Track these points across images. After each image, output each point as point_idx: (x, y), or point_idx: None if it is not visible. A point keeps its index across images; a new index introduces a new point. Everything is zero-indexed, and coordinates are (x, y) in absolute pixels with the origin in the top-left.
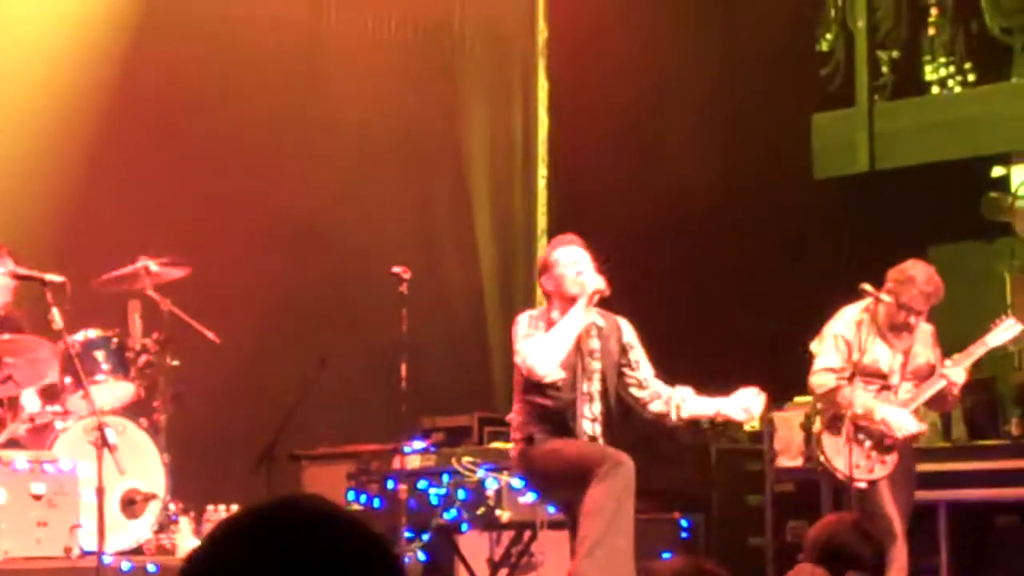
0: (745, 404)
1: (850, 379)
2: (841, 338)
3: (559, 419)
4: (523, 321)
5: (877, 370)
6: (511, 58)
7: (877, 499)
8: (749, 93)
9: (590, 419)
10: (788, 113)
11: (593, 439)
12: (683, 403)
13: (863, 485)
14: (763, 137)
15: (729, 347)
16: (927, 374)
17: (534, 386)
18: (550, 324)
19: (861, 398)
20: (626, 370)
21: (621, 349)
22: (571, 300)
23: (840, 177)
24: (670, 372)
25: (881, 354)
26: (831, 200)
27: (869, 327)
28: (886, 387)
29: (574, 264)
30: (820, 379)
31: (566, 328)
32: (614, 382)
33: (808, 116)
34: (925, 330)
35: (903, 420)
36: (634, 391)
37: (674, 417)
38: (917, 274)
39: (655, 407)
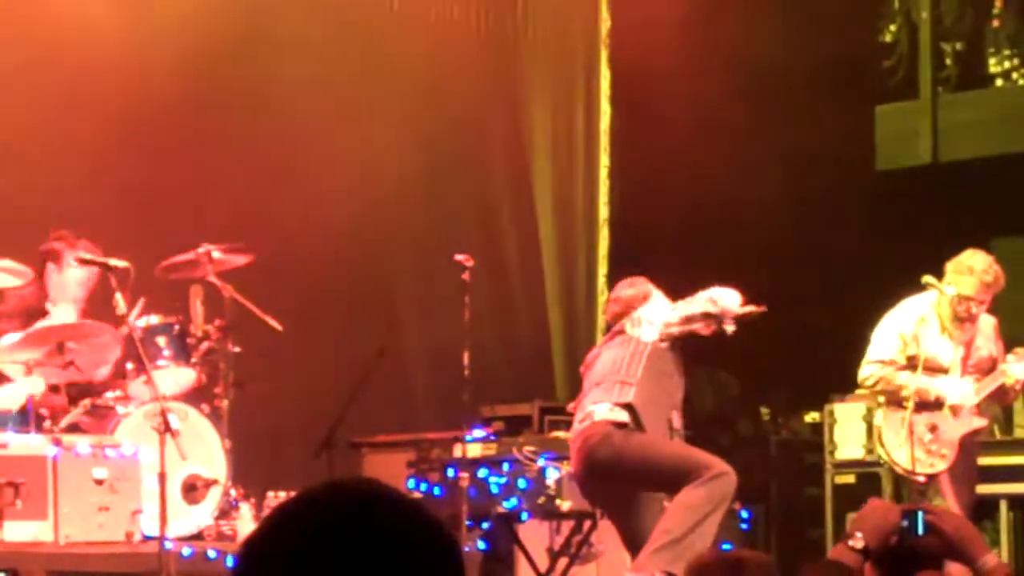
0: None
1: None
2: (897, 331)
3: (669, 408)
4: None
5: (938, 364)
6: (574, 47)
7: (937, 493)
8: (812, 84)
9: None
10: (851, 105)
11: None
12: None
13: (922, 479)
14: (825, 128)
15: (794, 339)
16: (989, 368)
17: (664, 372)
18: None
19: (914, 379)
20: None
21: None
22: None
23: (903, 169)
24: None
25: (942, 348)
26: (894, 192)
27: (930, 320)
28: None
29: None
30: (867, 370)
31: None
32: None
33: (871, 108)
34: (988, 322)
35: (961, 389)
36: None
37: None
38: (976, 263)
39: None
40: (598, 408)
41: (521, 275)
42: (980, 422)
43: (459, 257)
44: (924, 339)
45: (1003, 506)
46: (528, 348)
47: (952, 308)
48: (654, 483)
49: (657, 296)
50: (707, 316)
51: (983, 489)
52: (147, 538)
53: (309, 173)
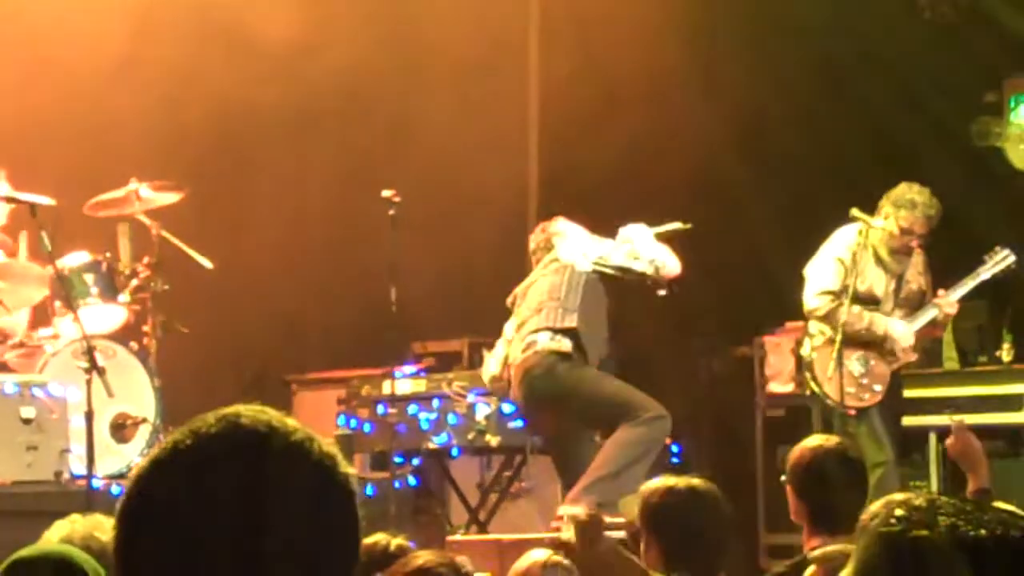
0: None
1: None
2: (838, 260)
3: (603, 336)
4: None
5: (872, 295)
6: None
7: (868, 425)
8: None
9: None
10: None
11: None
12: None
13: (853, 412)
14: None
15: (723, 272)
16: (918, 301)
17: (599, 301)
18: None
19: (865, 314)
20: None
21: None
22: None
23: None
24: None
25: (876, 279)
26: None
27: (863, 251)
28: (878, 312)
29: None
30: (815, 301)
31: None
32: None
33: None
34: (919, 256)
35: (904, 329)
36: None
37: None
38: (919, 197)
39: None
40: (540, 337)
41: (449, 210)
42: (910, 357)
43: (386, 193)
44: (861, 269)
45: (932, 438)
46: (457, 284)
47: (891, 241)
48: (592, 419)
49: (580, 230)
50: (643, 276)
51: (912, 421)
52: (76, 477)
53: (236, 108)
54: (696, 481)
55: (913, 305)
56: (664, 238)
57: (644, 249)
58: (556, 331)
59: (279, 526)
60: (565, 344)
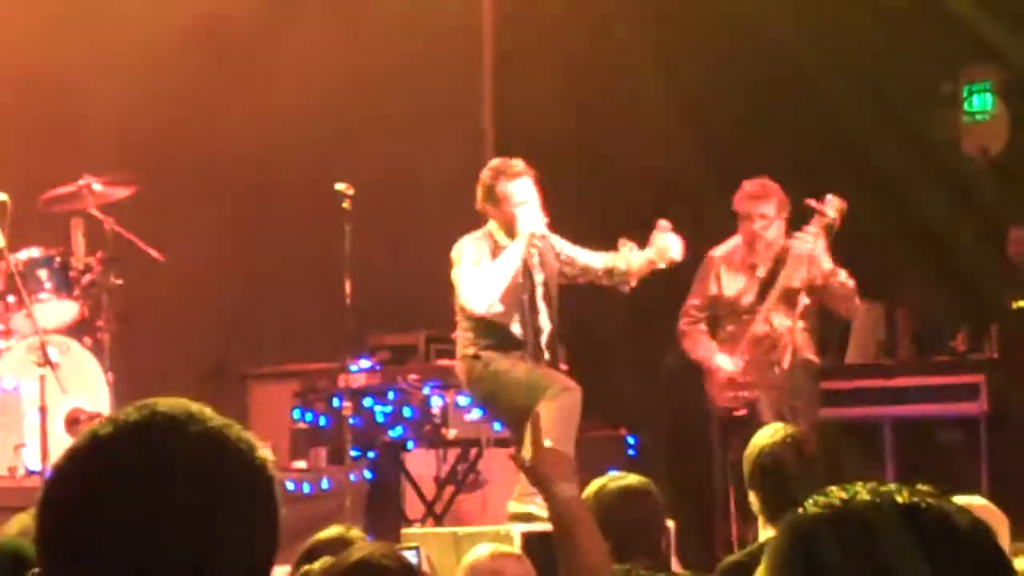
0: (662, 244)
1: None
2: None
3: (505, 333)
4: (468, 246)
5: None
6: None
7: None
8: None
9: (534, 331)
10: None
11: (539, 351)
12: (630, 258)
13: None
14: None
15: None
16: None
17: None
18: (495, 247)
19: None
20: (567, 269)
21: (556, 255)
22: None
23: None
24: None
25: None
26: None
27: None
28: None
29: (524, 203)
30: None
31: (506, 265)
32: (556, 291)
33: None
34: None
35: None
36: (588, 274)
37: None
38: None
39: (614, 277)
40: None
41: (403, 202)
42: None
43: (339, 186)
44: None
45: (886, 429)
46: (412, 276)
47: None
48: (508, 412)
49: None
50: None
51: (867, 411)
52: (30, 472)
53: (192, 107)
54: (629, 480)
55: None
56: None
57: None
58: None
59: (195, 510)
60: None
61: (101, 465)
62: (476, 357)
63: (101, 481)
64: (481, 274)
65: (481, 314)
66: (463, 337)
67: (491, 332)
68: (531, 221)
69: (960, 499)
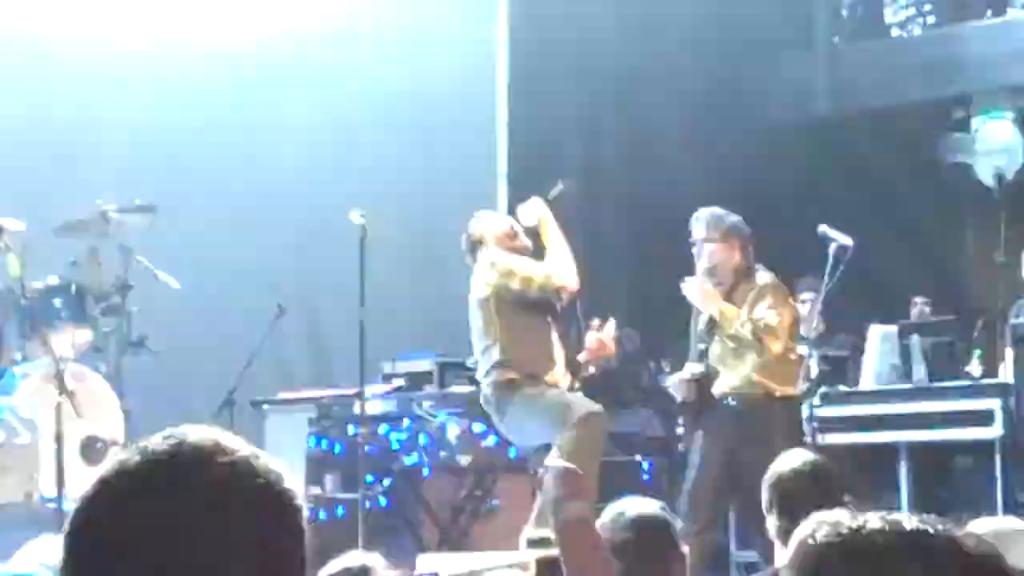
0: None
1: None
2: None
3: (533, 358)
4: (501, 255)
5: None
6: None
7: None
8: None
9: (557, 356)
10: (748, 53)
11: (562, 375)
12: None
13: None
14: (722, 79)
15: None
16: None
17: (531, 321)
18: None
19: None
20: None
21: None
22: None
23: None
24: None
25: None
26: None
27: None
28: None
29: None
30: None
31: (562, 239)
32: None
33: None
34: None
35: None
36: None
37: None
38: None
39: None
40: None
41: (419, 229)
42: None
43: (354, 213)
44: None
45: (902, 454)
46: (427, 304)
47: None
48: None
49: None
50: None
51: (882, 436)
52: (45, 500)
53: (210, 135)
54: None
55: None
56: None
57: None
58: None
59: (222, 543)
60: None
61: (128, 495)
62: (510, 382)
63: (127, 511)
64: (551, 257)
65: (574, 288)
66: (493, 363)
67: (520, 358)
68: (531, 210)
69: (992, 520)
